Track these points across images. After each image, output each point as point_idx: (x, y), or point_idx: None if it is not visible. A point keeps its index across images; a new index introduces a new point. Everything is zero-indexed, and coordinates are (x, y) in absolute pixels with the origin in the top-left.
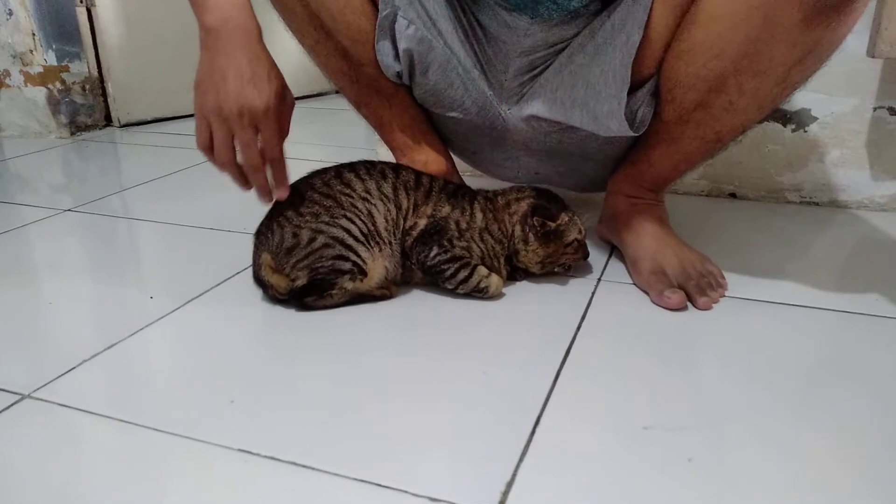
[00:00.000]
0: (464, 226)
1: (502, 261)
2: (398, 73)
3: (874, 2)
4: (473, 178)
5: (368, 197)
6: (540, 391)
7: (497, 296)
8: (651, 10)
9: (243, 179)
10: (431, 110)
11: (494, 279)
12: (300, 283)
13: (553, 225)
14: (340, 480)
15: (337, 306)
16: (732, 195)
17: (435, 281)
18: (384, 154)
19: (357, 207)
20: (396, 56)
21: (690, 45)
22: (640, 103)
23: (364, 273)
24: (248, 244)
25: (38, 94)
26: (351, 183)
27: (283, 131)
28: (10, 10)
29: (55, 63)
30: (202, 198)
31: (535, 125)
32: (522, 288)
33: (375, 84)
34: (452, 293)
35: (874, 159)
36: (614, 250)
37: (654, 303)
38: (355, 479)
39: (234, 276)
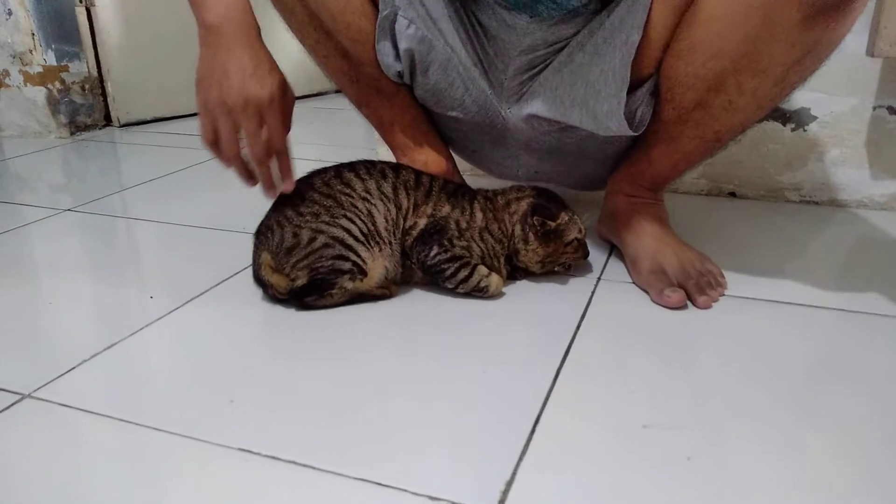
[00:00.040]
0: (464, 225)
1: (502, 260)
2: (399, 72)
3: (873, 1)
4: (474, 178)
5: (368, 197)
6: (540, 390)
7: (497, 295)
8: (650, 9)
9: (248, 175)
10: (432, 110)
11: (494, 278)
12: (300, 282)
13: (553, 224)
14: (340, 479)
15: (337, 306)
16: (732, 194)
17: (435, 280)
18: (384, 154)
19: (357, 207)
20: (397, 56)
21: (690, 44)
22: (639, 102)
23: (364, 273)
24: (248, 244)
25: (38, 93)
26: (351, 183)
27: (286, 124)
28: (9, 9)
29: (55, 63)
30: (202, 197)
31: (534, 124)
32: (522, 287)
33: (376, 84)
34: (452, 292)
35: (874, 158)
36: (614, 249)
37: (653, 302)
38: (355, 478)
39: (233, 275)
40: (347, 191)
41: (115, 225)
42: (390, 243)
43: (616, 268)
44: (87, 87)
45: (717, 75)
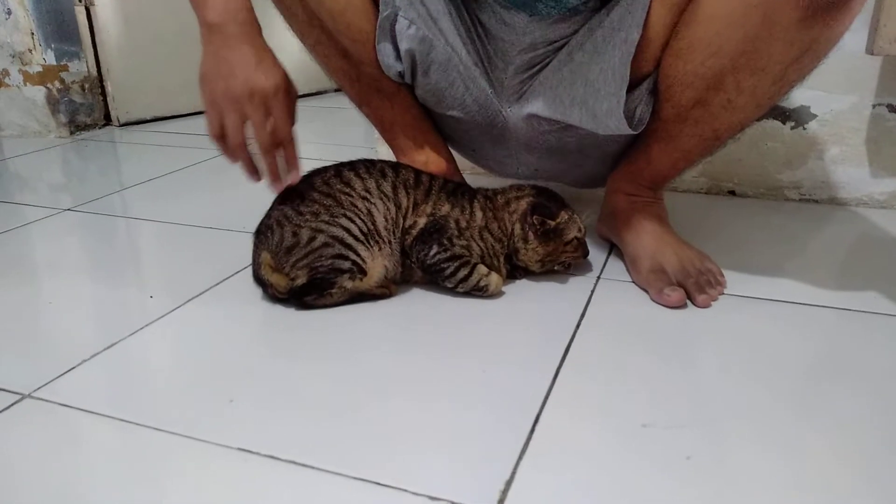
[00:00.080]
0: (463, 224)
1: (502, 259)
2: (400, 72)
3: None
4: (474, 177)
5: (368, 196)
6: (539, 389)
7: (497, 294)
8: (649, 8)
9: (253, 169)
10: (433, 110)
11: (494, 277)
12: (300, 282)
13: (552, 223)
14: (340, 479)
15: (336, 305)
16: (732, 193)
17: (434, 279)
18: (384, 153)
19: (357, 206)
20: (398, 56)
21: (689, 42)
22: (638, 101)
23: (364, 272)
24: (247, 243)
25: (38, 93)
26: (351, 182)
27: (291, 115)
28: (8, 9)
29: (54, 62)
30: (202, 197)
31: (534, 124)
32: (522, 286)
33: (377, 83)
34: (452, 292)
35: (873, 156)
36: (614, 248)
37: (653, 301)
38: (355, 478)
39: (233, 275)
40: (347, 190)
41: (115, 224)
42: (390, 242)
43: (616, 267)
44: (86, 86)
45: (716, 74)
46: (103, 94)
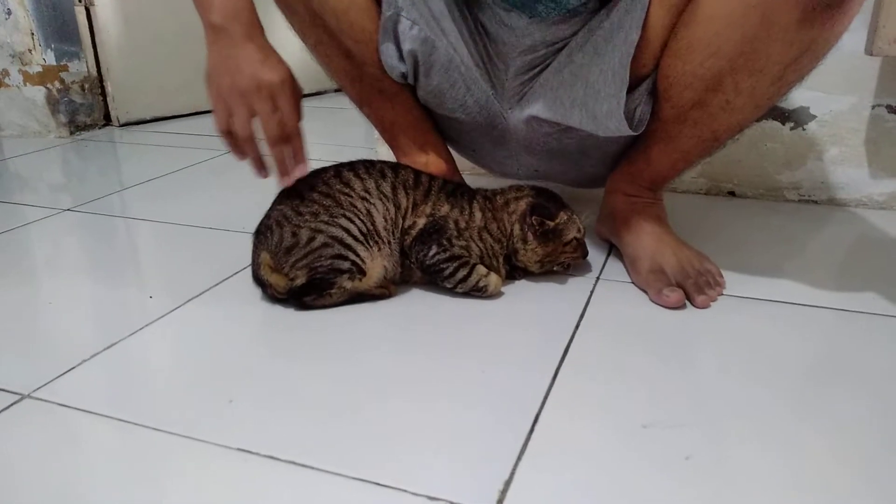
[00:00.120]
0: (463, 225)
1: (501, 260)
2: (403, 73)
3: (871, 0)
4: (474, 177)
5: (367, 196)
6: (538, 390)
7: (496, 295)
8: (648, 8)
9: (261, 164)
10: (434, 111)
11: (493, 278)
12: (299, 282)
13: (552, 224)
14: (339, 479)
15: (336, 305)
16: (731, 193)
17: (434, 280)
18: (384, 153)
19: (356, 207)
20: (401, 57)
21: (688, 43)
22: (637, 102)
23: (363, 272)
24: (247, 243)
25: (38, 93)
26: (350, 182)
27: (298, 109)
28: (8, 9)
29: (54, 62)
30: (201, 197)
31: (534, 126)
32: (521, 287)
33: (378, 84)
34: (451, 292)
35: (872, 157)
36: (613, 249)
37: (652, 301)
38: (354, 478)
39: (233, 275)
40: (346, 190)
41: (115, 225)
42: (389, 243)
43: (615, 267)
44: (86, 86)
45: (715, 74)
46: (103, 94)
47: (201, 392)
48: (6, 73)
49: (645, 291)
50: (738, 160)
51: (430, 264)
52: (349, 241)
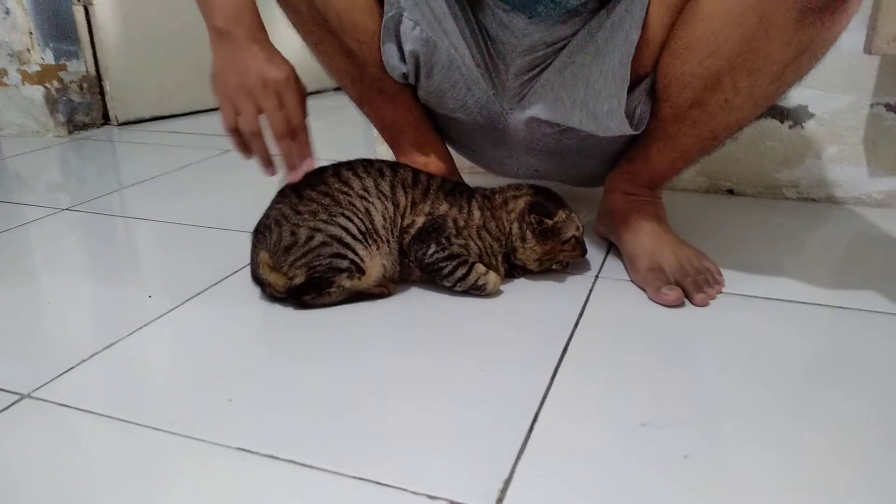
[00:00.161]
0: (461, 223)
1: (500, 258)
2: (404, 73)
3: None
4: (473, 176)
5: (366, 195)
6: (537, 388)
7: (495, 293)
8: (648, 7)
9: (269, 159)
10: (434, 111)
11: (492, 276)
12: (298, 281)
13: (550, 222)
14: (339, 478)
15: (335, 304)
16: (730, 192)
17: (433, 278)
18: (383, 152)
19: (355, 205)
20: (402, 58)
21: (686, 42)
22: (637, 101)
23: (362, 271)
24: (246, 242)
25: (36, 92)
26: (349, 181)
27: (303, 104)
28: (7, 8)
29: (52, 62)
30: (200, 196)
31: (535, 127)
32: (520, 285)
33: (379, 84)
34: (450, 291)
35: (871, 156)
36: (612, 247)
37: (651, 300)
38: (354, 477)
39: (232, 274)
40: (345, 189)
41: (114, 224)
42: (388, 241)
43: (614, 266)
44: (85, 85)
45: (714, 74)
46: (101, 93)
47: (201, 391)
48: (4, 72)
49: (644, 290)
50: (736, 158)
51: (429, 263)
52: (348, 239)
